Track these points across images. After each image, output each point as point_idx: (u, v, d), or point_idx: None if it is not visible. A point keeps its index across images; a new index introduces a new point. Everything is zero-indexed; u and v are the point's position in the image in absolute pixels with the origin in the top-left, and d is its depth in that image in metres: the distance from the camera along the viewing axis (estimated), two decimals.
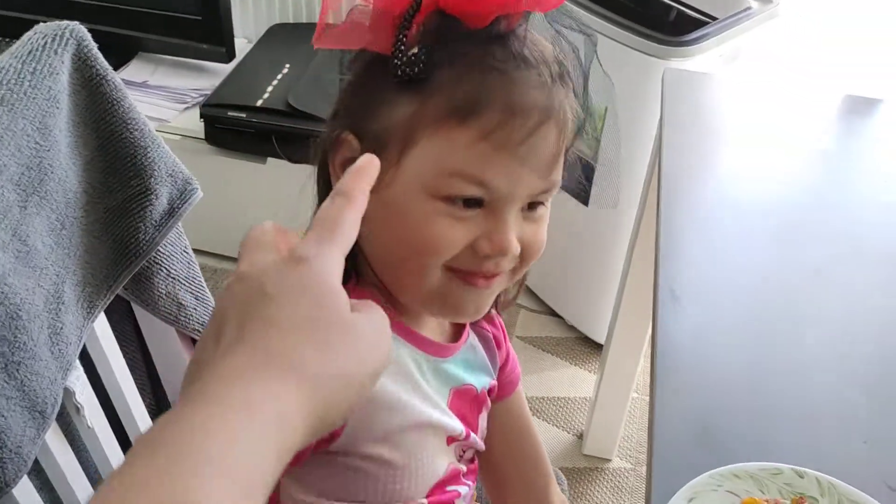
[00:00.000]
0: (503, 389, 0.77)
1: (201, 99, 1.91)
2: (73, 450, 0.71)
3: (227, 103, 1.83)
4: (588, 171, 1.68)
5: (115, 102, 0.70)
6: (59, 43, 0.66)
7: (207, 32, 1.93)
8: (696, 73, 1.33)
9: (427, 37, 0.56)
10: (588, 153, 1.85)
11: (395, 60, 0.55)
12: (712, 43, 1.49)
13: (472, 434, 0.70)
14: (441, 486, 0.67)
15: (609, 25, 1.52)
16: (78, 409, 0.71)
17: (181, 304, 0.84)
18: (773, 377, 0.76)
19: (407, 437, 0.63)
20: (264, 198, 1.53)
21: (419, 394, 0.64)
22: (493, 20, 0.56)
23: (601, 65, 0.62)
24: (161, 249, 0.80)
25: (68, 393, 0.69)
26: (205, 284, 0.88)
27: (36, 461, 0.67)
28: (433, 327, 0.67)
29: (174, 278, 0.82)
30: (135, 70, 2.04)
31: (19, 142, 0.61)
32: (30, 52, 0.64)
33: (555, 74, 0.57)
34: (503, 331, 0.76)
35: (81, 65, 0.68)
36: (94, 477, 0.75)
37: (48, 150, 0.64)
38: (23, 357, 0.62)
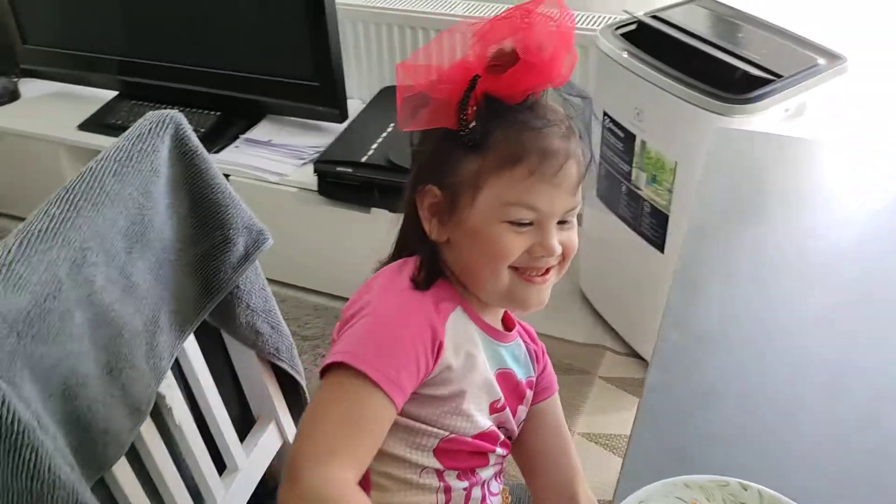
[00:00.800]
0: (542, 394, 0.98)
1: (316, 155, 2.15)
2: (164, 441, 0.90)
3: (336, 159, 2.05)
4: (663, 219, 1.78)
5: (203, 172, 0.90)
6: (161, 127, 0.87)
7: (323, 96, 2.17)
8: (744, 132, 1.41)
9: (480, 114, 0.80)
10: (662, 203, 1.98)
11: (462, 134, 0.80)
12: (774, 100, 1.56)
13: (508, 410, 0.90)
14: (483, 436, 0.88)
15: (676, 84, 1.63)
16: (168, 410, 0.90)
17: (258, 331, 1.03)
18: (766, 414, 0.86)
19: (476, 387, 0.85)
20: (368, 243, 1.73)
21: (480, 361, 0.86)
22: (523, 92, 0.80)
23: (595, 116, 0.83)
24: (241, 286, 0.99)
25: (161, 396, 0.88)
26: (280, 316, 1.07)
27: (133, 447, 0.86)
28: (493, 320, 0.89)
29: (252, 310, 1.01)
30: (262, 130, 2.32)
31: (127, 204, 0.82)
32: (138, 135, 0.85)
33: (567, 128, 0.82)
34: (541, 346, 0.99)
35: (178, 143, 0.89)
36: (181, 464, 0.93)
37: (149, 210, 0.85)
38: (123, 366, 0.82)
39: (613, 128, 1.84)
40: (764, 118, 1.57)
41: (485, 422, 0.88)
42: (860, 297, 1.01)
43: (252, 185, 2.17)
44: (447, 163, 0.82)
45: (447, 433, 0.85)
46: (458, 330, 0.85)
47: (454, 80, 0.80)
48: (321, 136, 2.25)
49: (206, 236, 0.92)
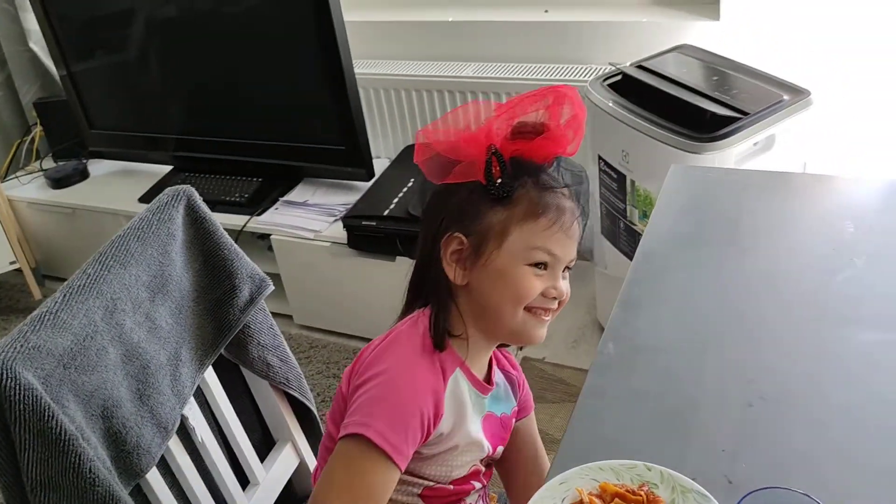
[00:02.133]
0: (520, 413, 1.13)
1: (345, 211, 2.37)
2: (189, 455, 1.09)
3: (361, 214, 2.27)
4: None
5: (211, 234, 1.11)
6: (176, 199, 1.09)
7: (350, 158, 2.39)
8: (698, 168, 1.56)
9: (506, 172, 0.94)
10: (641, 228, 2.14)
11: (490, 189, 0.93)
12: (741, 136, 1.71)
13: (499, 448, 1.05)
14: (462, 480, 1.03)
15: (653, 128, 1.80)
16: (192, 430, 1.10)
17: (269, 364, 1.22)
18: (684, 407, 1.00)
19: (463, 446, 0.99)
20: (394, 289, 1.92)
21: (469, 418, 0.99)
22: (547, 157, 0.95)
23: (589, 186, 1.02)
24: (252, 326, 1.19)
25: (185, 418, 1.08)
26: (288, 350, 1.26)
27: (163, 460, 1.06)
28: (478, 371, 1.02)
29: (263, 346, 1.21)
30: (299, 192, 2.56)
31: (149, 262, 1.03)
32: (157, 207, 1.06)
33: (573, 192, 0.97)
34: (518, 370, 1.13)
35: (190, 211, 1.10)
36: (205, 476, 1.13)
37: (168, 266, 1.06)
38: (151, 392, 1.02)
39: (607, 169, 2.01)
40: (735, 152, 1.72)
41: (463, 471, 1.02)
42: (789, 314, 1.15)
43: (291, 242, 2.40)
44: (475, 213, 0.94)
45: (431, 483, 1.00)
46: (455, 393, 0.97)
47: (478, 142, 0.94)
48: (351, 194, 2.47)
49: (217, 285, 1.12)
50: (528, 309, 0.96)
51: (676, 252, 1.30)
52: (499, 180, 0.93)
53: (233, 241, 1.14)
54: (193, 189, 1.11)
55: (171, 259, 1.06)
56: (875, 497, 0.86)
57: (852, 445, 0.92)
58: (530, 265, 0.95)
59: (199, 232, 1.11)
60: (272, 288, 1.19)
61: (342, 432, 0.91)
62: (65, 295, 0.93)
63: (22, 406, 0.84)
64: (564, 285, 0.98)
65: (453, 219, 0.96)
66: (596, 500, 0.87)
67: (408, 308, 1.03)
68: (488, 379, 1.05)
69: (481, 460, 1.05)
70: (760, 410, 0.98)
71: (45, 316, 0.90)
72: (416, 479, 1.00)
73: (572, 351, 2.33)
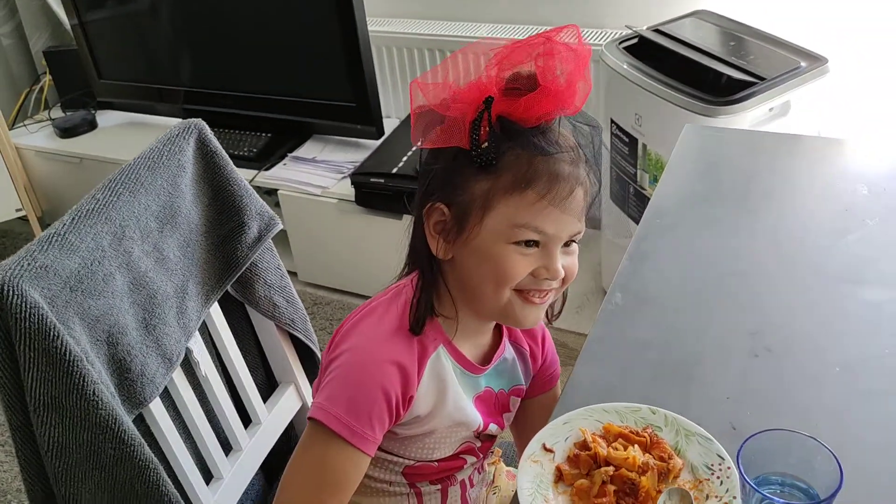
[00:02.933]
0: (540, 388, 1.05)
1: (354, 169, 2.36)
2: (193, 390, 1.09)
3: (370, 171, 2.26)
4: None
5: (222, 168, 1.11)
6: (187, 132, 1.08)
7: (360, 116, 2.38)
8: (712, 128, 1.55)
9: (493, 135, 0.81)
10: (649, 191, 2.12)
11: (473, 154, 0.81)
12: (757, 101, 1.69)
13: (491, 424, 0.97)
14: (450, 458, 0.96)
15: (668, 91, 1.78)
16: (196, 363, 1.10)
17: (275, 304, 1.22)
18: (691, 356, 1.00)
19: (444, 427, 0.93)
20: (400, 247, 1.92)
21: (453, 399, 0.92)
22: (537, 117, 0.81)
23: (603, 144, 0.90)
24: (259, 265, 1.19)
25: (189, 351, 1.08)
26: (294, 292, 1.25)
27: (167, 393, 1.06)
28: (472, 349, 0.95)
29: (269, 285, 1.20)
30: (308, 149, 2.55)
31: (158, 192, 1.02)
32: (168, 139, 1.06)
33: (576, 155, 0.84)
34: (543, 343, 1.04)
35: (201, 144, 1.09)
36: (208, 412, 1.13)
37: (177, 198, 1.05)
38: (157, 322, 1.01)
39: (619, 133, 1.99)
40: (749, 117, 1.71)
41: (449, 450, 0.95)
42: (796, 272, 1.14)
43: (298, 198, 2.40)
44: (458, 181, 0.83)
45: (412, 462, 0.95)
46: (436, 373, 0.90)
47: (468, 100, 0.81)
48: (360, 152, 2.46)
49: (225, 221, 1.12)
50: (517, 290, 0.86)
51: (686, 209, 1.29)
52: (484, 144, 0.80)
53: (243, 178, 1.13)
54: (205, 123, 1.10)
55: (181, 191, 1.06)
56: (874, 445, 0.86)
57: (855, 397, 0.92)
58: (515, 244, 0.83)
59: (209, 166, 1.10)
60: (280, 226, 1.19)
61: (309, 413, 0.88)
62: (73, 218, 0.92)
63: (27, 324, 0.84)
64: (567, 261, 0.86)
65: (438, 185, 0.85)
66: (599, 440, 0.87)
67: (408, 272, 0.95)
68: (490, 355, 0.98)
69: (476, 435, 0.98)
70: (766, 361, 0.98)
71: (53, 237, 0.89)
72: (396, 458, 0.95)
73: (576, 316, 2.32)
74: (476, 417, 0.95)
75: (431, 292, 0.89)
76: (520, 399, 1.03)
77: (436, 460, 0.96)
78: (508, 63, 0.81)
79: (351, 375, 0.86)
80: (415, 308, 0.88)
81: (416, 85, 0.83)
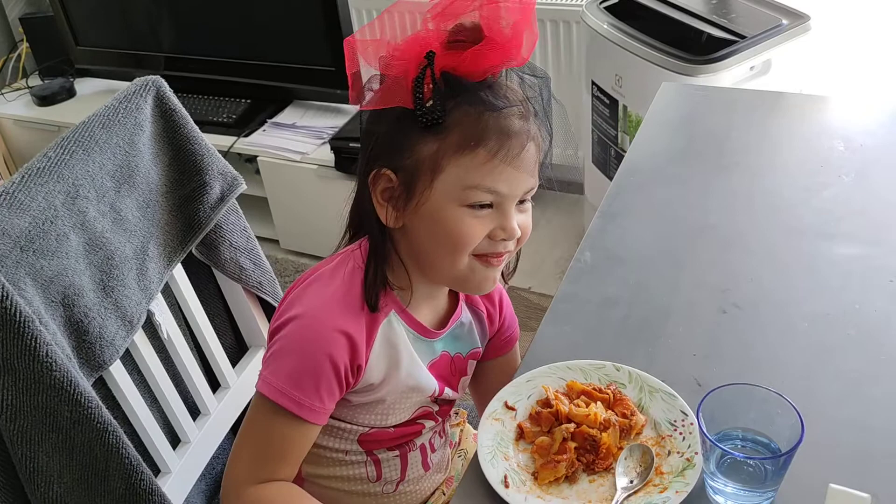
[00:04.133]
0: (498, 350, 1.03)
1: (333, 134, 2.33)
2: (156, 350, 1.08)
3: (350, 136, 2.23)
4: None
5: (181, 126, 1.08)
6: (144, 89, 1.05)
7: (340, 80, 2.34)
8: (691, 86, 1.52)
9: (438, 92, 0.76)
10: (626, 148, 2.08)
11: (418, 113, 0.76)
12: (737, 59, 1.67)
13: (447, 389, 0.94)
14: (406, 424, 0.94)
15: (648, 50, 1.75)
16: (158, 325, 1.08)
17: (242, 266, 1.20)
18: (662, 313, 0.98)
19: (398, 393, 0.90)
20: None
21: (406, 365, 0.88)
22: (482, 72, 0.77)
23: (553, 96, 0.84)
24: (224, 226, 1.16)
25: (151, 313, 1.06)
26: (262, 254, 1.23)
27: (130, 356, 1.04)
28: (427, 314, 0.92)
29: (235, 248, 1.18)
30: (288, 114, 2.51)
31: (114, 151, 1.00)
32: (125, 96, 1.03)
33: (526, 108, 0.80)
34: (500, 305, 1.00)
35: (160, 103, 1.07)
36: (174, 373, 1.11)
37: (135, 157, 1.03)
38: (115, 284, 0.99)
39: (600, 95, 1.96)
40: (730, 76, 1.68)
41: (404, 416, 0.92)
42: (768, 228, 1.13)
43: (277, 164, 2.37)
44: (403, 144, 0.78)
45: (366, 428, 0.91)
46: (388, 339, 0.87)
47: (409, 56, 0.76)
48: (340, 118, 2.42)
49: (186, 181, 1.09)
50: (475, 255, 0.83)
51: (660, 167, 1.27)
52: (429, 103, 0.75)
53: (204, 137, 1.11)
54: (163, 80, 1.08)
55: (139, 150, 1.03)
56: (838, 399, 0.85)
57: (821, 352, 0.91)
58: (468, 206, 0.79)
59: (168, 124, 1.07)
60: (244, 187, 1.16)
61: (256, 385, 0.85)
62: (23, 177, 0.90)
63: None
64: (521, 219, 0.83)
65: (382, 150, 0.80)
66: (562, 397, 0.86)
67: (350, 240, 0.90)
68: (446, 319, 0.94)
69: (433, 400, 0.95)
70: (734, 317, 0.96)
71: (1, 196, 0.87)
72: (349, 426, 0.92)
73: (557, 281, 2.30)
74: (431, 382, 0.92)
75: (384, 265, 0.85)
76: (475, 362, 1.01)
77: (391, 426, 0.93)
78: (450, 14, 0.76)
79: (296, 346, 0.83)
80: (369, 283, 0.84)
81: (350, 43, 0.78)
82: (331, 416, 0.88)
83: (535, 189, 0.83)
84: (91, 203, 0.97)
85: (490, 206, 0.80)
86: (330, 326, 0.82)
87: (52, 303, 0.91)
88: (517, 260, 0.95)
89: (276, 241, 2.56)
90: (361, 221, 0.88)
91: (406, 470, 0.98)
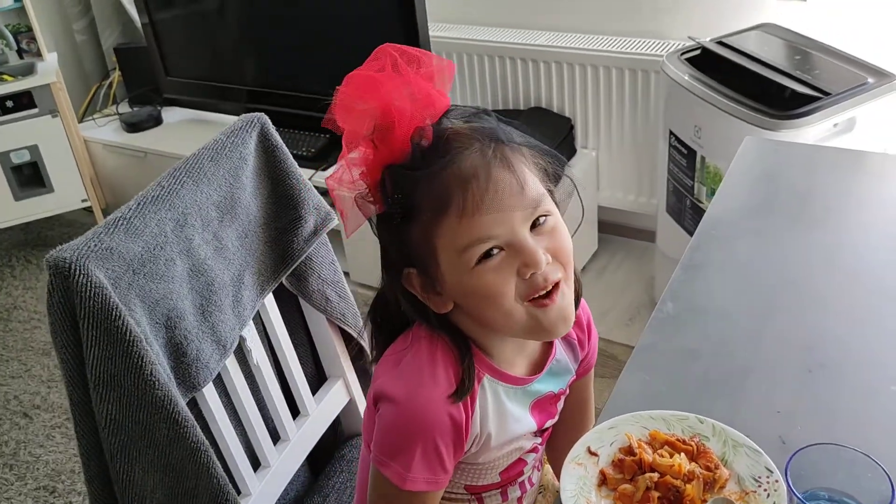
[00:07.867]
0: (578, 375, 1.03)
1: None
2: (244, 376, 1.12)
3: None
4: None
5: (281, 161, 1.13)
6: (250, 125, 1.11)
7: None
8: (774, 142, 1.53)
9: (391, 185, 0.78)
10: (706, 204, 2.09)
11: (389, 212, 0.80)
12: (821, 116, 1.66)
13: (548, 420, 0.95)
14: (513, 464, 0.96)
15: (729, 103, 1.76)
16: (249, 351, 1.12)
17: (328, 298, 1.24)
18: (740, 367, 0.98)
19: (501, 452, 0.92)
20: None
21: (508, 417, 0.90)
22: (412, 144, 0.77)
23: (499, 117, 0.83)
24: (314, 259, 1.21)
25: (243, 339, 1.11)
26: (347, 288, 1.28)
27: (220, 380, 1.09)
28: (520, 363, 0.92)
29: (323, 280, 1.23)
30: None
31: (220, 183, 1.05)
32: (231, 131, 1.08)
33: (483, 139, 0.78)
34: (588, 330, 1.00)
35: (263, 139, 1.12)
36: (258, 397, 1.15)
37: (238, 189, 1.08)
38: (213, 309, 1.04)
39: (678, 145, 1.98)
40: (813, 132, 1.68)
41: (507, 462, 0.94)
42: (851, 288, 1.12)
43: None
44: (400, 242, 0.82)
45: (471, 482, 0.95)
46: (489, 401, 0.88)
47: (368, 178, 0.80)
48: None
49: (283, 214, 1.14)
50: (527, 301, 0.81)
51: (742, 221, 1.28)
52: (392, 197, 0.79)
53: (301, 172, 1.16)
54: (267, 118, 1.13)
55: (242, 183, 1.08)
56: None
57: None
58: (478, 264, 0.78)
59: (270, 159, 1.13)
60: (336, 222, 1.21)
61: (376, 465, 0.86)
62: (139, 203, 0.95)
63: (91, 303, 0.87)
64: (548, 242, 0.80)
65: (395, 254, 0.84)
66: (645, 446, 0.86)
67: (383, 342, 0.92)
68: (542, 360, 0.94)
69: (535, 434, 0.96)
70: (818, 376, 0.96)
71: (119, 221, 0.92)
72: (459, 481, 0.94)
73: (626, 329, 2.30)
74: (532, 425, 0.93)
75: (469, 350, 0.86)
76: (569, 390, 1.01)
77: (499, 476, 0.96)
78: (355, 119, 0.79)
79: (405, 433, 0.84)
80: (465, 371, 0.85)
81: (332, 182, 0.83)
82: None
83: (543, 204, 0.80)
84: (197, 231, 1.02)
85: (500, 248, 0.78)
86: (435, 409, 0.83)
87: (156, 324, 0.96)
88: (579, 281, 0.89)
89: (347, 274, 2.60)
90: (401, 321, 0.90)
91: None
